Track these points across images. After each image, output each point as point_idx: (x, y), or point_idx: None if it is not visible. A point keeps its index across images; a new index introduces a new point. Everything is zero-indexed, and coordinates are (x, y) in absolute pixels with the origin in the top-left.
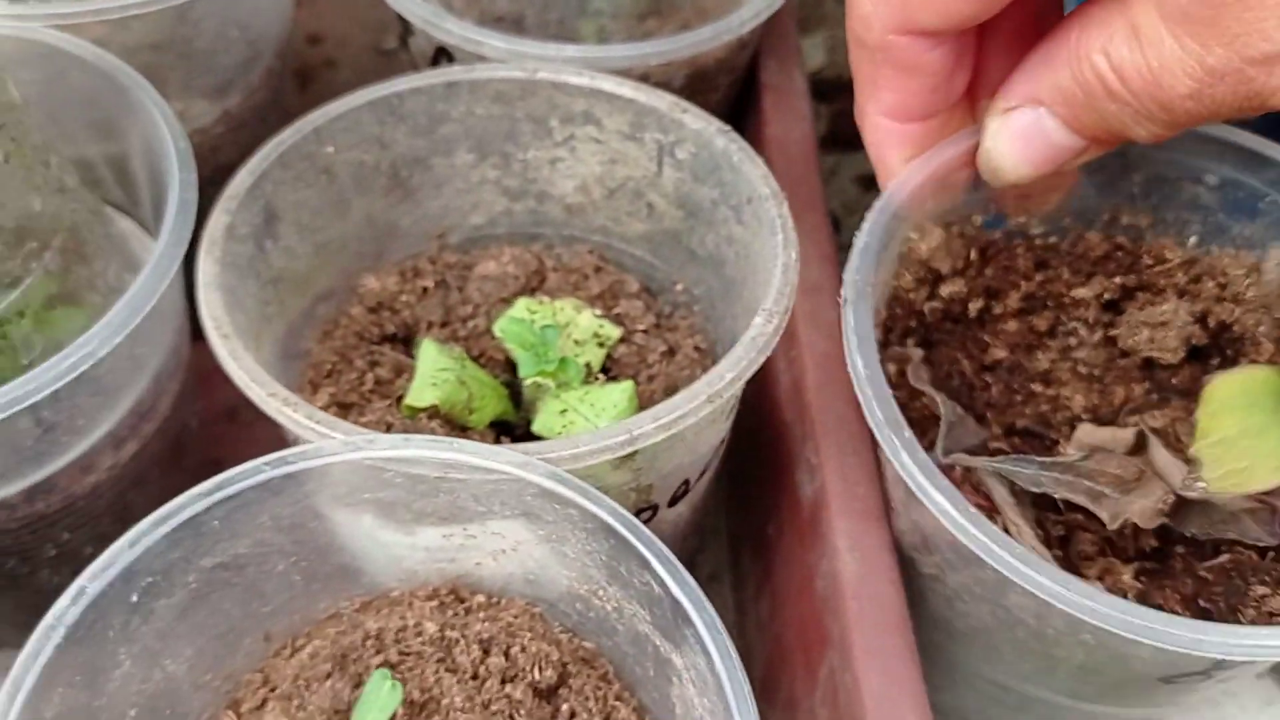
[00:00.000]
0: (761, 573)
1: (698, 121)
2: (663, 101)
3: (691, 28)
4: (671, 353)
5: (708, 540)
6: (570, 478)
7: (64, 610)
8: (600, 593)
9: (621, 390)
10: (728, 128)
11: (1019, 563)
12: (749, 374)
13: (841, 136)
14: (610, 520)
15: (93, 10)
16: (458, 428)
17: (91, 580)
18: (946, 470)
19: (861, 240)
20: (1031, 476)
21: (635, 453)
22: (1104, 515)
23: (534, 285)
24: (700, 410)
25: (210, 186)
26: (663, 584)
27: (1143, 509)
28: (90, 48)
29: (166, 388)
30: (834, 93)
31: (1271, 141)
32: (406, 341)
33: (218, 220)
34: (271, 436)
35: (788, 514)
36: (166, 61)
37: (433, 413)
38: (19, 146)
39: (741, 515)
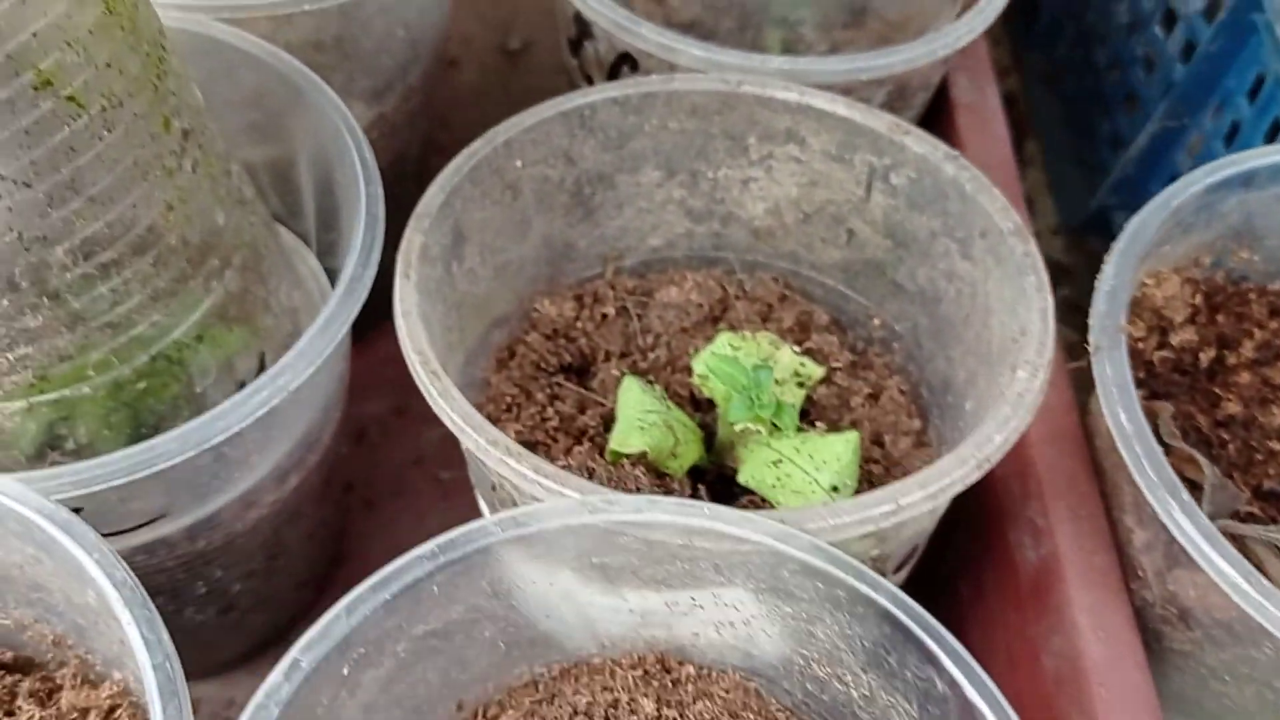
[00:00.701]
0: None
1: (922, 145)
2: (881, 122)
3: (892, 40)
4: (875, 396)
5: None
6: (843, 556)
7: (277, 686)
8: (847, 677)
9: (845, 442)
10: (956, 153)
11: None
12: (1017, 436)
13: None
14: (891, 608)
15: (267, 4)
16: (657, 473)
17: (305, 652)
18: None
19: (1107, 284)
20: None
21: None
22: None
23: (717, 315)
24: (968, 477)
25: None
26: (953, 683)
27: None
28: (264, 45)
29: (331, 417)
30: None
31: None
32: (581, 372)
33: (412, 241)
34: (401, 460)
35: (996, 576)
36: (328, 62)
37: (636, 458)
38: (205, 155)
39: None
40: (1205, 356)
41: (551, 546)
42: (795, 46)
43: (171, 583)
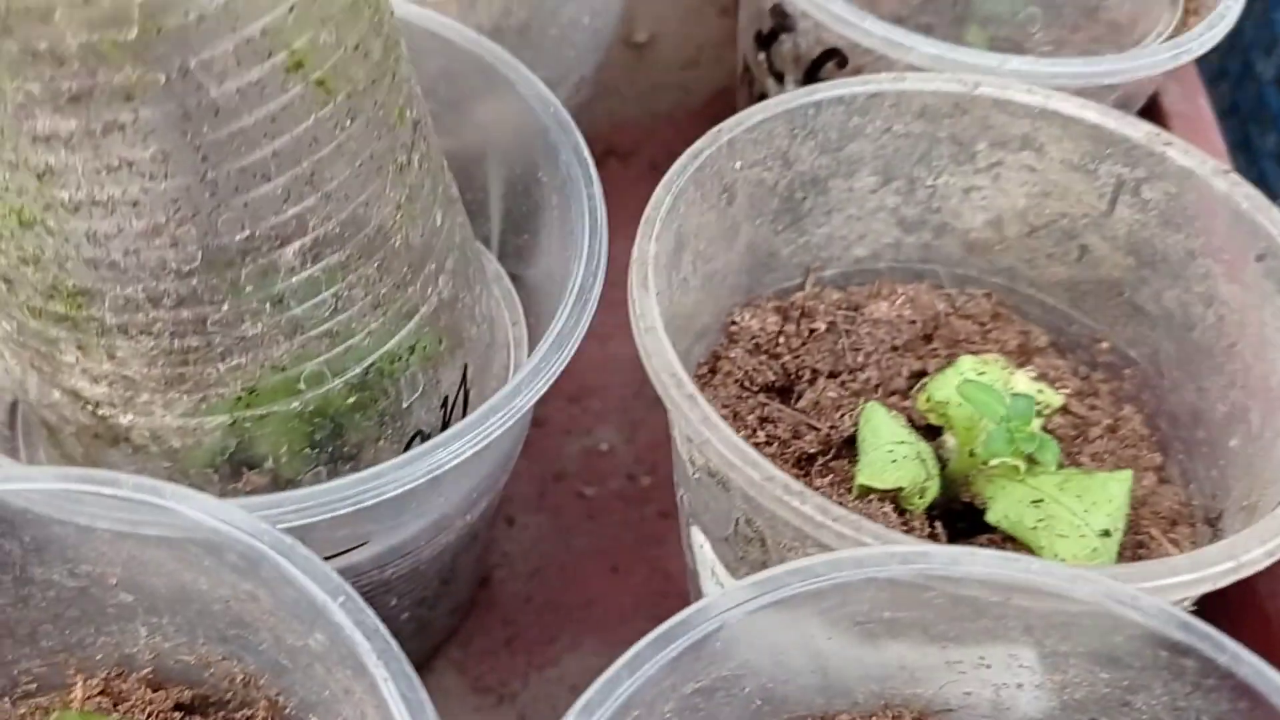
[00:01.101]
0: None
1: (1187, 158)
2: (1138, 130)
3: (1108, 43)
4: (1114, 428)
5: None
6: (1200, 625)
7: None
8: None
9: (1118, 481)
10: (1228, 168)
11: None
12: None
13: None
14: (1256, 684)
15: None
16: (899, 509)
17: (586, 716)
18: None
19: None
20: None
21: None
22: None
23: (929, 333)
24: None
25: None
26: None
27: None
28: (461, 28)
29: (523, 437)
30: None
31: None
32: (784, 391)
33: (646, 249)
34: (541, 474)
35: (1237, 625)
36: (506, 49)
37: (887, 494)
38: (430, 148)
39: None
40: None
41: (847, 599)
42: (1005, 46)
43: None
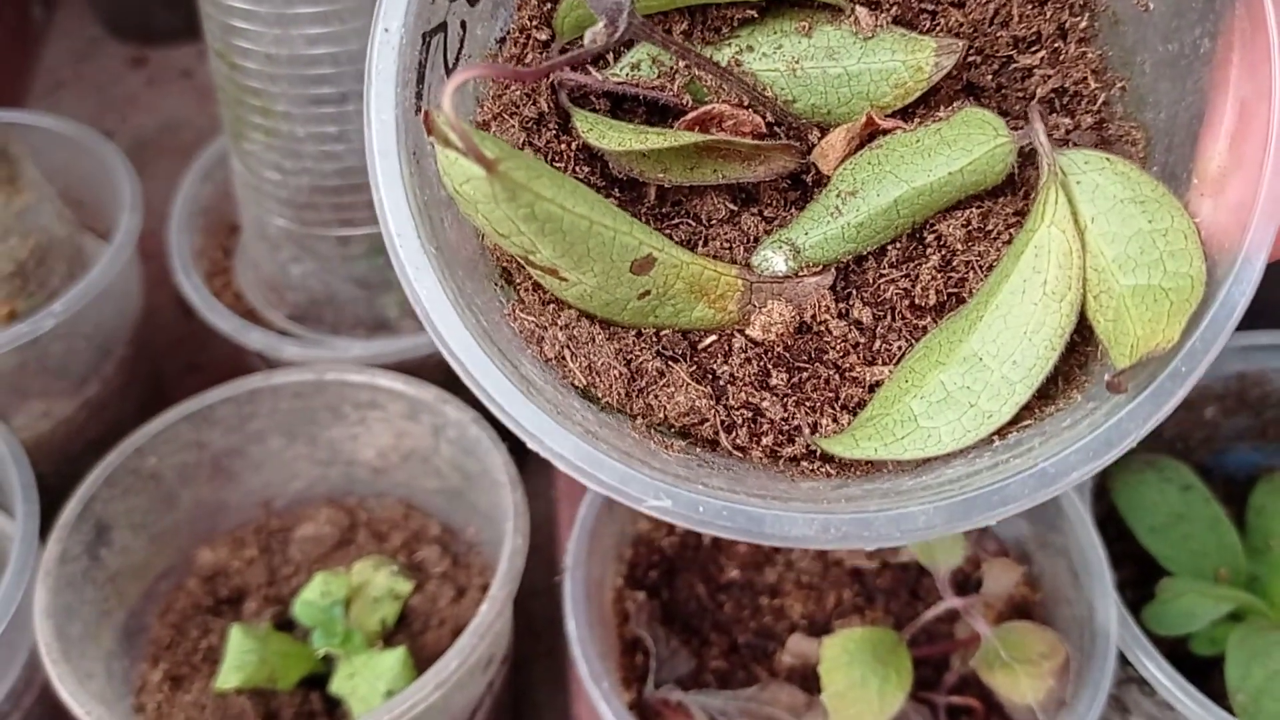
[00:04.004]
0: None
1: (457, 412)
2: (429, 394)
3: None
4: (460, 594)
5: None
6: None
7: None
8: None
9: (394, 657)
10: (480, 417)
11: None
12: (474, 657)
13: None
14: None
15: None
16: (269, 692)
17: None
18: (662, 701)
19: (583, 510)
20: (720, 706)
21: None
22: None
23: (348, 539)
24: (417, 708)
25: (84, 456)
26: None
27: None
28: None
29: (41, 667)
30: None
31: None
32: (239, 601)
33: (51, 551)
34: None
35: None
36: (30, 373)
37: (237, 690)
38: None
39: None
40: (707, 536)
41: None
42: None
43: None
